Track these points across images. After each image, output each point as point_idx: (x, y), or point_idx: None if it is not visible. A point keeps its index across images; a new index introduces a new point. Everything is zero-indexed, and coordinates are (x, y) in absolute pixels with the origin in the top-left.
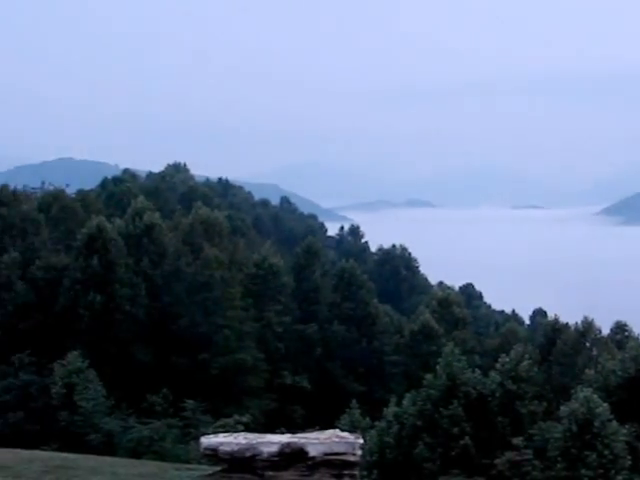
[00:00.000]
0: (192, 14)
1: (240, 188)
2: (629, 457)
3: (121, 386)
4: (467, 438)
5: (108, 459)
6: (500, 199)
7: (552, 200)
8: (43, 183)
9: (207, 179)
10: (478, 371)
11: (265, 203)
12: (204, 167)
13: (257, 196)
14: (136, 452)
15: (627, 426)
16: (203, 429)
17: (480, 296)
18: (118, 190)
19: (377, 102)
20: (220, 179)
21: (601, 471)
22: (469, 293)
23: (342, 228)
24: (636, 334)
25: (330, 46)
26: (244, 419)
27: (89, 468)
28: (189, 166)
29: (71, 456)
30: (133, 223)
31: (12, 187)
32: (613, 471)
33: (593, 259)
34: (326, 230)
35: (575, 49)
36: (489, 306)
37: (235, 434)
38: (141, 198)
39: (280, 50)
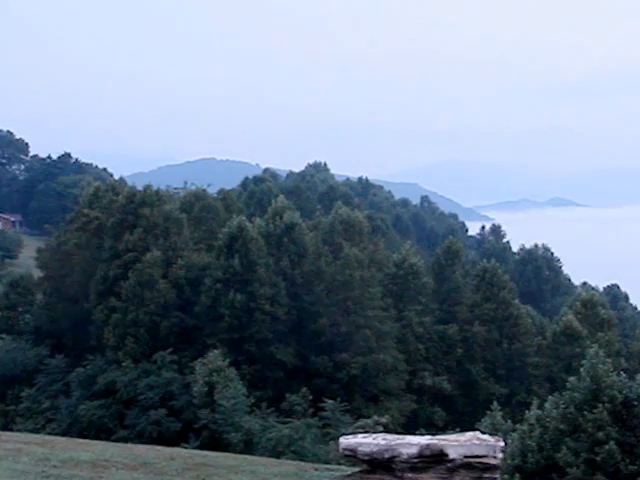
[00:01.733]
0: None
1: (380, 187)
2: None
3: (261, 385)
4: (612, 443)
5: (247, 458)
6: None
7: None
8: (185, 183)
9: (347, 178)
10: (624, 374)
11: (405, 202)
12: (344, 166)
13: (397, 195)
14: (275, 451)
15: None
16: (342, 429)
17: (626, 297)
18: (259, 190)
19: (519, 99)
20: (360, 178)
21: None
22: (614, 294)
23: (483, 227)
24: None
25: (468, 46)
26: (383, 420)
27: (228, 466)
28: (329, 165)
29: (211, 454)
30: (273, 222)
31: (155, 187)
32: None
33: None
34: (467, 229)
35: None
36: (635, 308)
37: (374, 435)
38: (281, 197)
39: (414, 49)
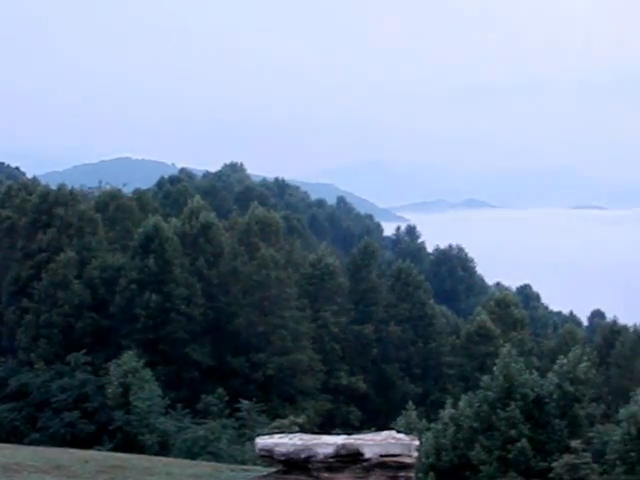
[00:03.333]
0: (258, 16)
1: (296, 188)
2: None
3: (176, 386)
4: (524, 440)
5: (163, 459)
6: (559, 199)
7: (612, 200)
8: (100, 182)
9: (263, 179)
10: (536, 373)
11: (321, 203)
12: (260, 167)
13: (313, 196)
14: (191, 453)
15: None
16: (258, 430)
17: (538, 297)
18: (175, 189)
19: (434, 102)
20: (276, 179)
21: None
22: (527, 294)
23: (399, 228)
24: None
25: (388, 46)
26: (299, 420)
27: (143, 468)
28: (245, 166)
29: (125, 456)
30: (189, 223)
31: (70, 186)
32: None
33: None
34: (382, 230)
35: (625, 48)
36: (547, 307)
37: (290, 435)
38: (197, 197)
39: (335, 51)
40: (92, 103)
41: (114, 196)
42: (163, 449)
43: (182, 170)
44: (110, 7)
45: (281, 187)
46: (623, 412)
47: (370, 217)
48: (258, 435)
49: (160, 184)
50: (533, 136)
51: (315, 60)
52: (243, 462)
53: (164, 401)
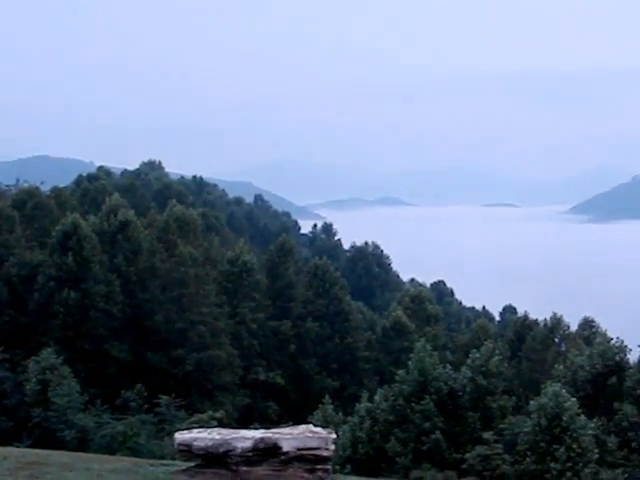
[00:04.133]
0: (170, 12)
1: (214, 186)
2: (596, 450)
3: (95, 382)
4: (438, 433)
5: (82, 455)
6: (472, 197)
7: (523, 198)
8: (18, 180)
9: (182, 177)
10: (449, 367)
11: (239, 201)
12: (179, 165)
13: (231, 194)
14: (110, 448)
15: (594, 420)
16: (177, 425)
17: (451, 293)
18: (93, 187)
19: (350, 102)
20: (195, 177)
21: (569, 464)
22: (440, 290)
23: (315, 226)
24: (603, 330)
25: (304, 45)
26: (218, 415)
27: (62, 464)
28: (164, 164)
29: (44, 452)
30: (108, 220)
31: None
32: (581, 464)
33: (562, 256)
34: (299, 228)
35: (542, 49)
36: (460, 303)
37: (209, 430)
38: (116, 195)
39: (252, 50)
40: (10, 101)
41: (32, 194)
42: (82, 445)
43: (100, 168)
44: (27, 5)
45: (199, 185)
46: (533, 404)
47: (287, 215)
48: (177, 430)
49: (78, 182)
50: (447, 136)
51: (233, 61)
52: (162, 457)
53: (83, 397)
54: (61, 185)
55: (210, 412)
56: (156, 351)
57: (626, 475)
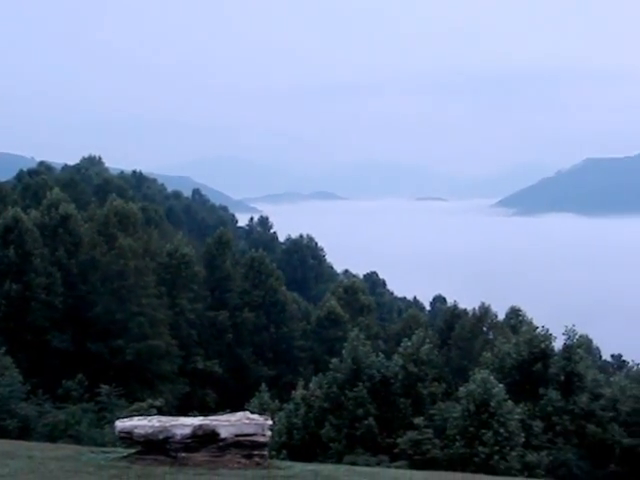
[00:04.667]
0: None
1: (153, 180)
2: (523, 434)
3: (37, 372)
4: (371, 419)
5: (24, 443)
6: (403, 191)
7: (452, 192)
8: None
9: (121, 172)
10: (382, 355)
11: (178, 195)
12: (118, 160)
13: (170, 188)
14: (52, 437)
15: (521, 405)
16: (118, 413)
17: (384, 284)
18: (34, 182)
19: (286, 98)
20: (134, 172)
21: (497, 448)
22: (373, 281)
23: (252, 219)
24: (529, 318)
25: (242, 43)
26: (157, 403)
27: (4, 452)
28: (104, 159)
29: None
30: (49, 214)
31: None
32: (508, 448)
33: (490, 248)
34: (237, 221)
35: (469, 49)
36: (392, 293)
37: (149, 417)
38: (56, 190)
39: (192, 48)
40: None
41: None
42: (24, 433)
43: (41, 163)
44: None
45: (139, 180)
46: (462, 390)
47: (225, 209)
48: (118, 418)
49: (19, 177)
50: (379, 132)
51: (173, 58)
52: (103, 444)
53: (25, 387)
54: (2, 180)
55: (150, 400)
56: (97, 341)
57: (551, 457)
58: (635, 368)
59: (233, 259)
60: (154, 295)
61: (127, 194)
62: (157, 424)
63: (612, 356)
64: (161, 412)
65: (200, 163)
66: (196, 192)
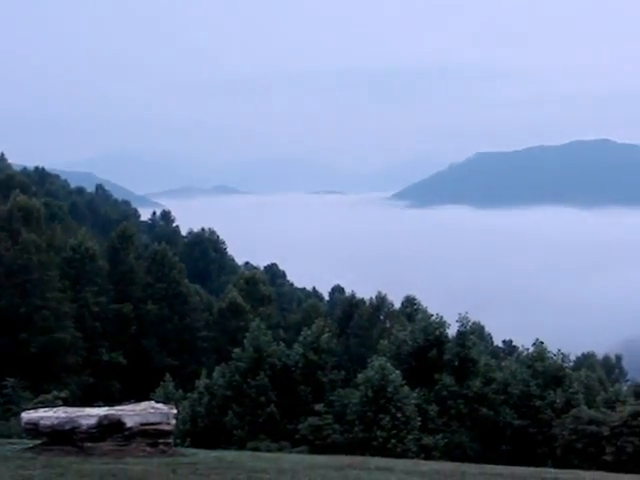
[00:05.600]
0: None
1: (57, 176)
2: (419, 418)
3: None
4: (273, 406)
5: None
6: (303, 186)
7: (349, 186)
8: None
9: (24, 168)
10: (282, 344)
11: (81, 191)
12: (21, 156)
13: (73, 184)
14: None
15: (417, 390)
16: (23, 405)
17: (284, 275)
18: None
19: (187, 93)
20: (37, 168)
21: (394, 432)
22: (273, 272)
23: (154, 213)
24: (424, 307)
25: (145, 39)
26: (63, 394)
27: None
28: (6, 155)
29: None
30: None
31: None
32: (405, 431)
33: (386, 239)
34: (139, 215)
35: (370, 47)
36: (292, 284)
37: (55, 409)
38: None
39: (96, 43)
40: None
41: None
42: None
43: None
44: None
45: (42, 176)
46: (361, 377)
47: (127, 203)
48: (23, 410)
49: None
50: (280, 127)
51: (76, 53)
52: (9, 436)
53: None
54: None
55: (55, 392)
56: (1, 335)
57: (446, 440)
58: (525, 353)
59: (136, 253)
60: (58, 289)
61: (30, 190)
62: (63, 415)
63: (503, 342)
64: (67, 403)
65: (103, 159)
66: (99, 187)
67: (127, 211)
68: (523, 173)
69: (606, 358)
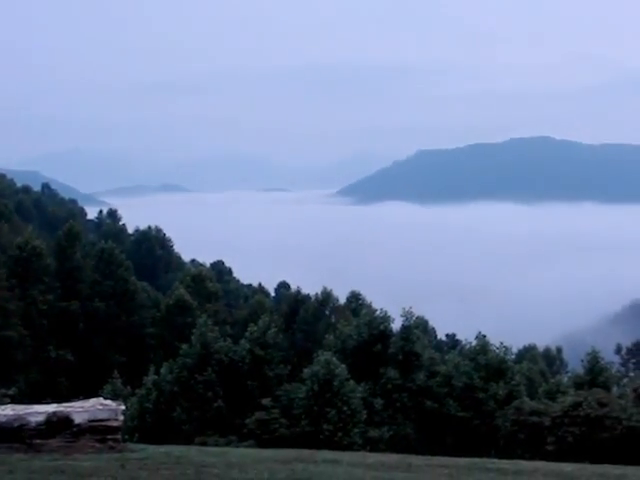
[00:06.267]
0: None
1: (2, 175)
2: (365, 412)
3: None
4: (220, 401)
5: None
6: (249, 184)
7: (294, 183)
8: None
9: None
10: (229, 340)
11: (27, 189)
12: None
13: (19, 183)
14: None
15: (362, 384)
16: None
17: (230, 271)
18: None
19: (134, 93)
20: None
21: (340, 425)
22: (220, 269)
23: (101, 212)
24: (369, 302)
25: (87, 39)
26: (11, 392)
27: None
28: None
29: None
30: None
31: None
32: (351, 424)
33: (330, 236)
34: (86, 214)
35: (320, 44)
36: (238, 280)
37: (3, 406)
38: None
39: (42, 41)
40: None
41: None
42: None
43: None
44: None
45: None
46: (307, 372)
47: (74, 202)
48: None
49: None
50: (226, 126)
51: (19, 51)
52: None
53: None
54: None
55: (3, 390)
56: None
57: (391, 432)
58: (468, 346)
59: (83, 251)
60: (5, 287)
61: None
62: (11, 412)
63: (446, 335)
64: (15, 401)
65: (48, 158)
66: (45, 186)
67: (74, 210)
68: (464, 170)
69: (547, 350)
